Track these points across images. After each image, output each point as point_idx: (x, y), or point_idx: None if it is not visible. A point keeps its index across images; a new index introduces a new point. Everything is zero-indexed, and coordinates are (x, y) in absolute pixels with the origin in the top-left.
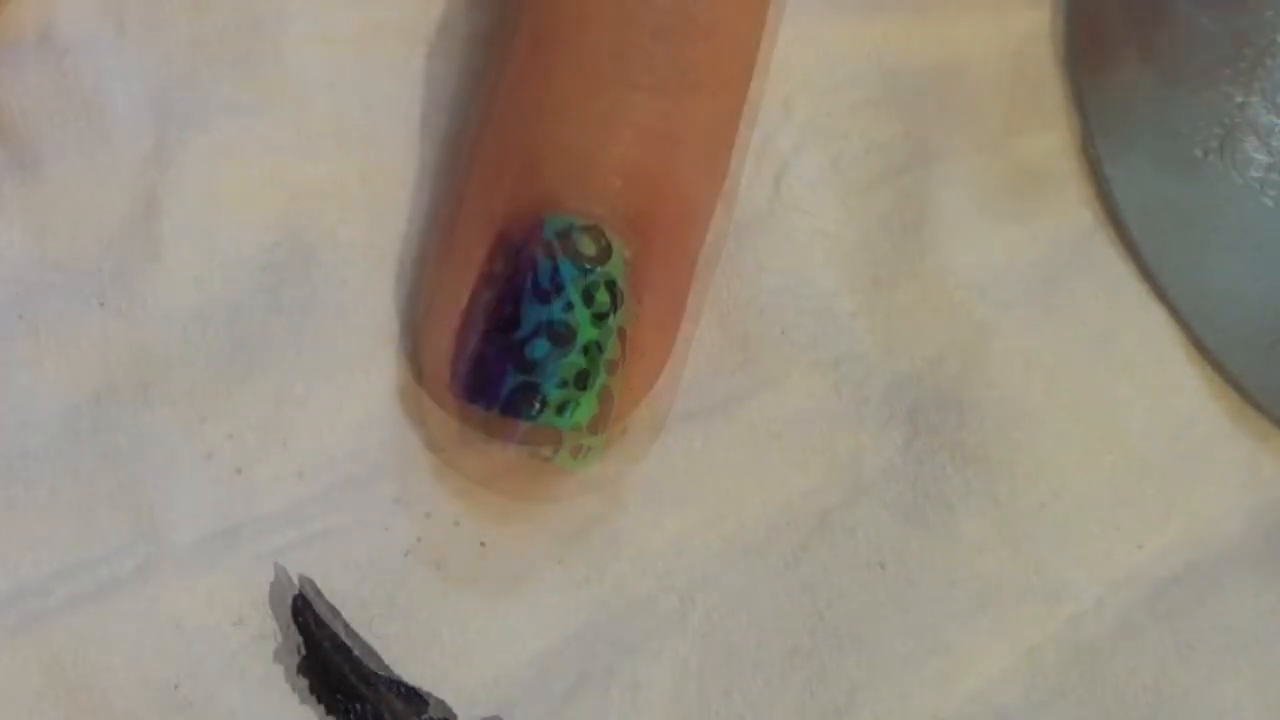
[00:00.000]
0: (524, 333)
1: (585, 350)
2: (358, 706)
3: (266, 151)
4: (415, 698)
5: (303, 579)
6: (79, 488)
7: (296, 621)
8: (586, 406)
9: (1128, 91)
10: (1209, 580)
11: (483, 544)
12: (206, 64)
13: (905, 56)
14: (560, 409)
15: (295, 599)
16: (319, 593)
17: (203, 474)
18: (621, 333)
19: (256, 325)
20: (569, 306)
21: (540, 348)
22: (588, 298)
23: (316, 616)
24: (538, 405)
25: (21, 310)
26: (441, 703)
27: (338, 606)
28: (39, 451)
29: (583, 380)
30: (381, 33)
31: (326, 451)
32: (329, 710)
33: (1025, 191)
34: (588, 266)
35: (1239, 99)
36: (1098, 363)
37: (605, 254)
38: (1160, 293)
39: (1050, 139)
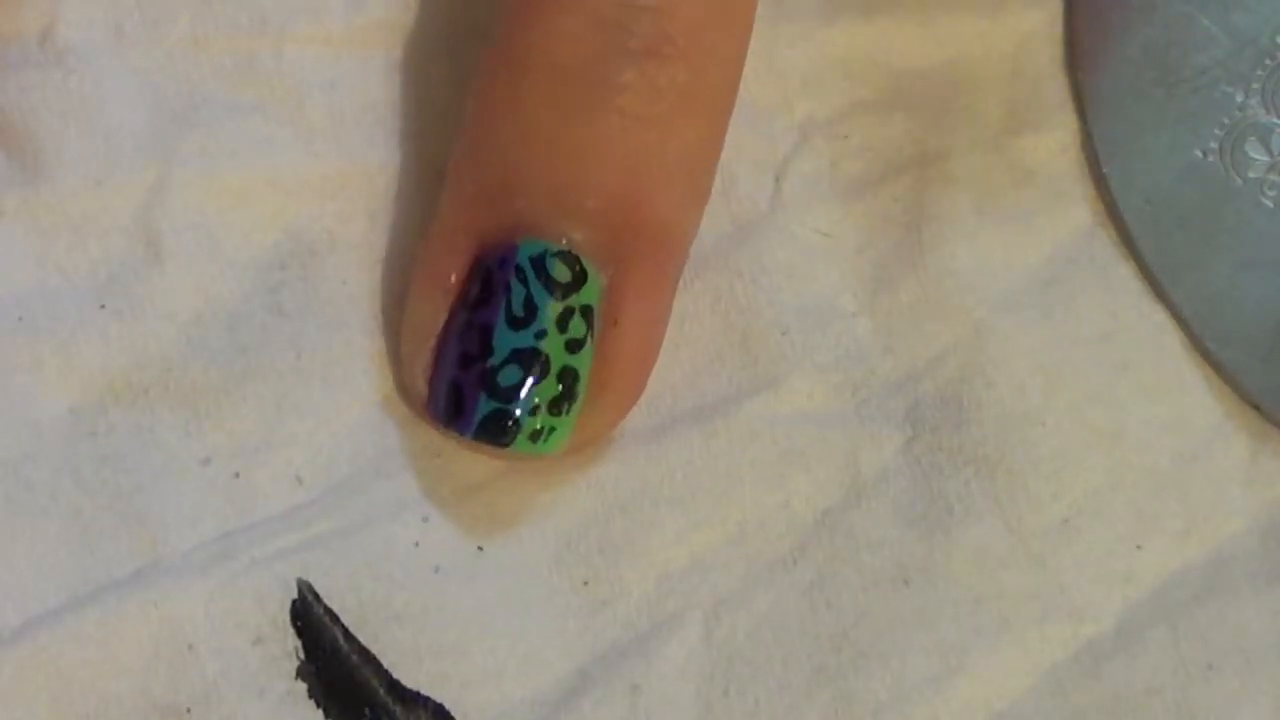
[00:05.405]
0: (497, 359)
1: (560, 377)
2: (363, 711)
3: (266, 151)
4: (414, 703)
5: (301, 583)
6: (79, 491)
7: (295, 625)
8: (562, 433)
9: (1128, 91)
10: (1217, 588)
11: (480, 548)
12: (207, 64)
13: (905, 57)
14: (534, 436)
15: (294, 602)
16: (317, 596)
17: (201, 478)
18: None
19: (256, 327)
20: (542, 334)
21: (512, 375)
22: (562, 324)
23: (316, 621)
24: (511, 432)
25: (21, 312)
26: (440, 707)
27: (336, 610)
28: (39, 454)
29: (557, 407)
30: (381, 33)
31: (325, 455)
32: (328, 715)
33: (1025, 191)
34: (562, 293)
35: (1239, 99)
36: (1098, 363)
37: (580, 280)
38: (1160, 293)
39: (1050, 139)
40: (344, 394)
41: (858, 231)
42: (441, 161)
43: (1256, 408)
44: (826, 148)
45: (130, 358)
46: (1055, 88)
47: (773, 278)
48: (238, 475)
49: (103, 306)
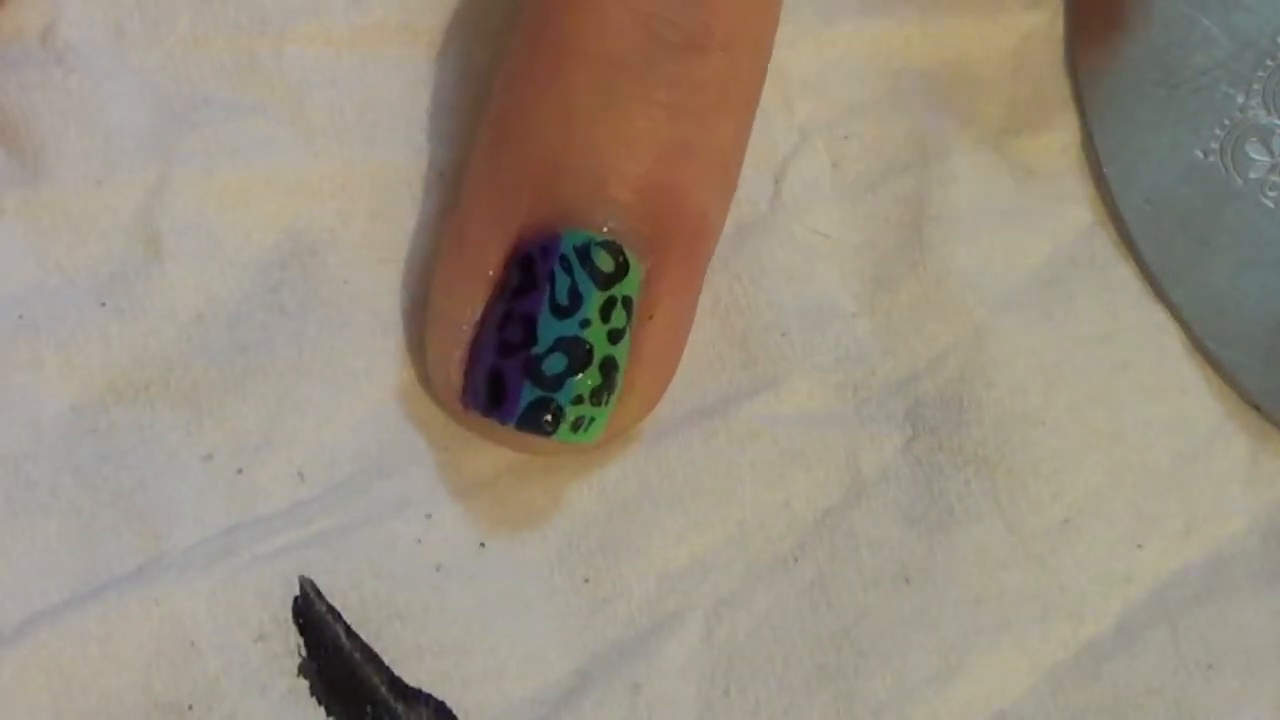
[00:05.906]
0: (541, 348)
1: (601, 367)
2: (365, 709)
3: (266, 151)
4: (416, 701)
5: (303, 580)
6: (79, 489)
7: (297, 623)
8: (600, 423)
9: (1128, 92)
10: (1217, 588)
11: (483, 545)
12: (207, 64)
13: (905, 57)
14: (576, 425)
15: (295, 600)
16: (319, 594)
17: (203, 475)
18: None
19: (257, 325)
20: (586, 323)
21: (557, 363)
22: (605, 314)
23: (318, 618)
24: (554, 421)
25: (22, 310)
26: (441, 705)
27: (338, 608)
28: (40, 452)
29: (598, 396)
30: (381, 33)
31: (327, 452)
32: (329, 713)
33: (1025, 191)
34: (606, 283)
35: (1239, 100)
36: (1098, 363)
37: (623, 270)
38: (1160, 293)
39: (1050, 139)
40: (346, 391)
41: (858, 231)
42: (443, 160)
43: (1256, 408)
44: (826, 148)
45: (131, 356)
46: (1055, 88)
47: (773, 278)
48: (239, 472)
49: (103, 305)
